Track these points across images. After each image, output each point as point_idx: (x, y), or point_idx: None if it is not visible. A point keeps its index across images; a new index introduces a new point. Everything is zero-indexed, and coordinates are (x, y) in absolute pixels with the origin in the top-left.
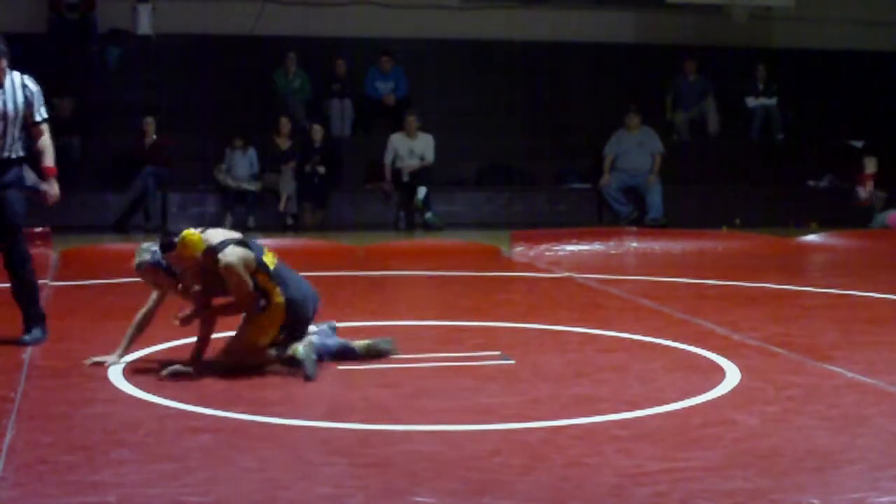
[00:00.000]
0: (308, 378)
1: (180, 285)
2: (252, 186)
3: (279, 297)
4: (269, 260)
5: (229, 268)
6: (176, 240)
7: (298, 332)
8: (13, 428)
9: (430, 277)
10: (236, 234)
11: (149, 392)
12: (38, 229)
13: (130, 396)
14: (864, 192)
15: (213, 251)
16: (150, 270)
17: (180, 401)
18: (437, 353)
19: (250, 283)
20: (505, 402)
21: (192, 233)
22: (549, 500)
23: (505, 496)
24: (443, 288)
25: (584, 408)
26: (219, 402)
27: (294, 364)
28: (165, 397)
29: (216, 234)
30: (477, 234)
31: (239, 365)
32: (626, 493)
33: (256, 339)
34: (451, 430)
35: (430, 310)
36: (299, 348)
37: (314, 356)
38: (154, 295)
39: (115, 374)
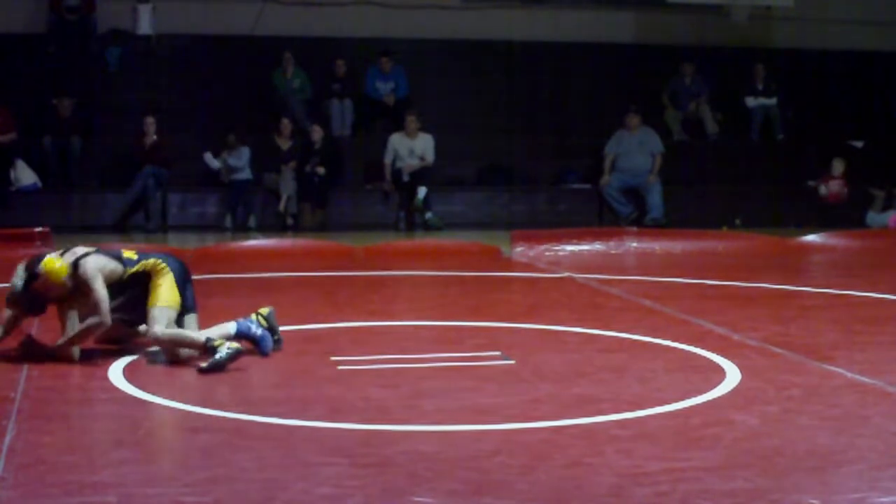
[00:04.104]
0: (205, 370)
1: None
2: (244, 176)
3: (157, 264)
4: (130, 254)
5: (91, 280)
6: (38, 270)
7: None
8: (13, 428)
9: (429, 277)
10: (91, 248)
11: (149, 392)
12: (39, 229)
13: (130, 396)
14: (825, 188)
15: (75, 268)
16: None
17: (180, 401)
18: (437, 353)
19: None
20: (505, 402)
21: (51, 259)
22: (549, 500)
23: (505, 496)
24: (442, 288)
25: (585, 408)
26: (218, 403)
27: (210, 352)
28: (165, 397)
29: (74, 253)
30: (477, 235)
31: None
32: (626, 493)
33: (161, 301)
34: (451, 431)
35: (429, 310)
36: (225, 348)
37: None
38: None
39: (116, 374)
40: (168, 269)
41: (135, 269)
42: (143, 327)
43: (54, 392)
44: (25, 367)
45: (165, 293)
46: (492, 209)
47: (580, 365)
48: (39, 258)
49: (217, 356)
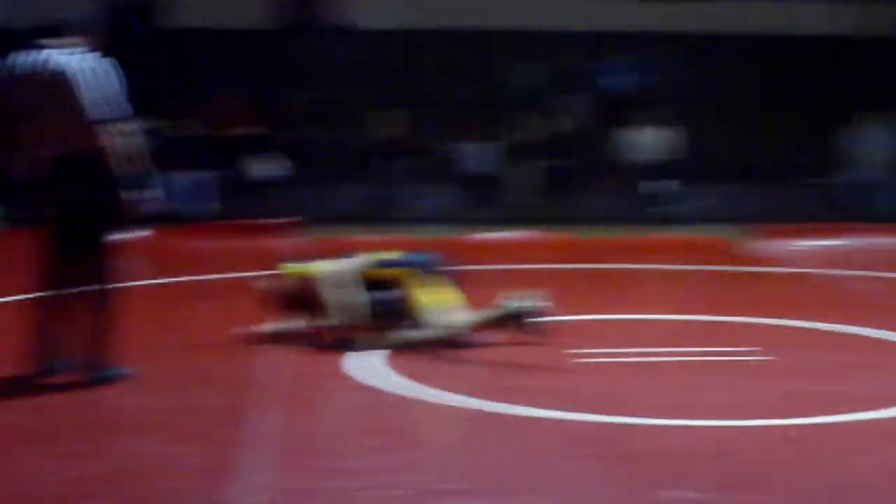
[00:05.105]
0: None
1: None
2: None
3: (401, 271)
4: (376, 255)
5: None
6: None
7: None
8: (273, 413)
9: (673, 271)
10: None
11: (399, 381)
12: (285, 220)
13: (388, 384)
14: None
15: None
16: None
17: (428, 388)
18: (695, 347)
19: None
20: (762, 398)
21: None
22: (806, 497)
23: (762, 492)
24: (686, 281)
25: (846, 405)
26: (470, 392)
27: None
28: (415, 384)
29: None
30: (721, 229)
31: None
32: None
33: (427, 301)
34: (702, 425)
35: (669, 304)
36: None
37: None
38: None
39: (377, 362)
40: (414, 272)
41: (379, 272)
42: (412, 333)
43: (312, 379)
44: (281, 356)
45: (427, 296)
46: (735, 204)
47: (841, 362)
48: (288, 265)
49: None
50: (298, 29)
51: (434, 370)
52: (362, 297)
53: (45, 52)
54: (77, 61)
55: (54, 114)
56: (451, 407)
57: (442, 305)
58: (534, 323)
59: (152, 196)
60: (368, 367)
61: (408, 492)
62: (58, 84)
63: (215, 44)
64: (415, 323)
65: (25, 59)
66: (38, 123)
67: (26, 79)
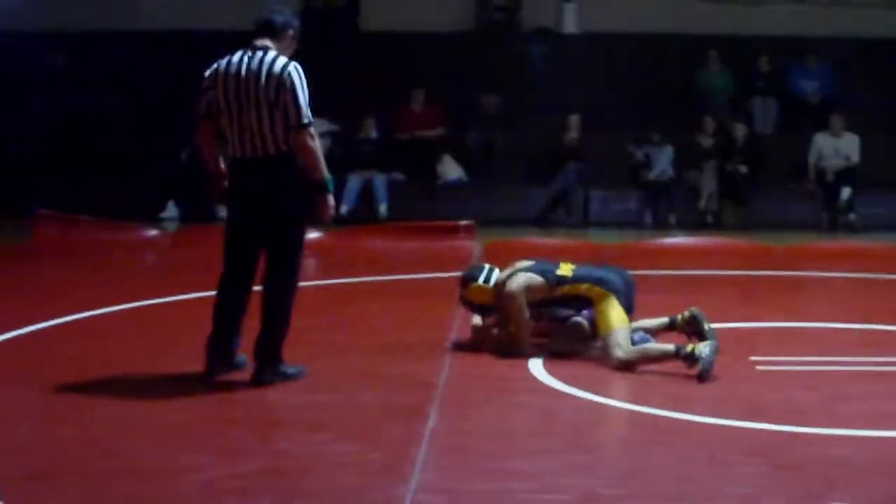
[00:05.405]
0: (703, 377)
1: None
2: (665, 173)
3: (591, 289)
4: (565, 270)
5: (510, 296)
6: (465, 287)
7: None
8: (436, 413)
9: (851, 280)
10: (529, 262)
11: (567, 384)
12: (463, 222)
13: (549, 387)
14: None
15: (501, 285)
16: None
17: (597, 393)
18: (858, 356)
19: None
20: None
21: (477, 287)
22: None
23: None
24: (864, 290)
25: None
26: (634, 397)
27: (690, 360)
28: (583, 389)
29: (514, 266)
30: None
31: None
32: None
33: (613, 324)
34: (871, 436)
35: (851, 313)
36: (703, 349)
37: (714, 358)
38: None
39: (535, 365)
40: (607, 292)
41: (564, 289)
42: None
43: (476, 380)
44: (449, 356)
45: (615, 317)
46: None
47: None
48: (474, 271)
49: (702, 359)
50: (498, 31)
51: (603, 376)
52: (549, 312)
53: (250, 54)
54: (280, 64)
55: (257, 115)
56: (621, 411)
57: (626, 326)
58: (708, 332)
59: (330, 201)
60: (539, 371)
61: (568, 496)
62: (263, 86)
63: (410, 47)
64: (601, 345)
65: (231, 60)
66: (240, 124)
67: (232, 79)
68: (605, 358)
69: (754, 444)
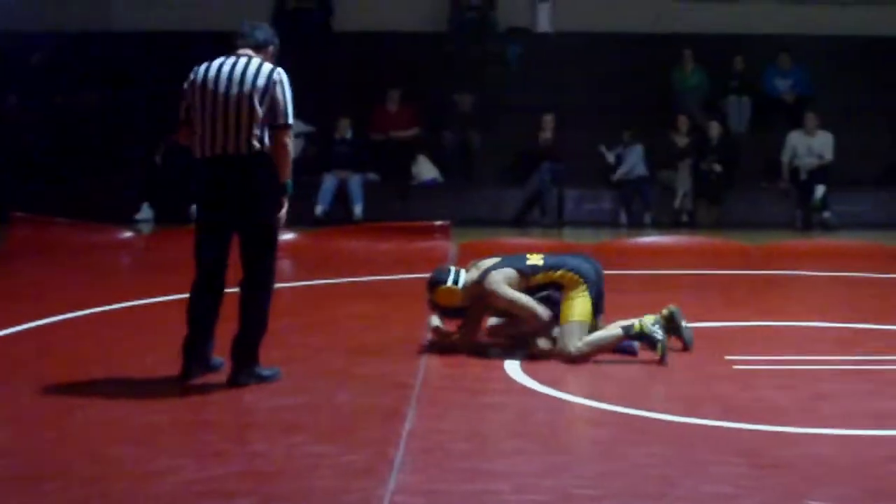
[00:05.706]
0: (663, 358)
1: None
2: (638, 172)
3: (564, 276)
4: (535, 259)
5: (495, 293)
6: (434, 291)
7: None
8: (413, 414)
9: (826, 278)
10: (496, 259)
11: (543, 384)
12: (438, 223)
13: (526, 387)
14: None
15: (479, 284)
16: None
17: (574, 394)
18: (835, 355)
19: (522, 298)
20: None
21: (446, 290)
22: None
23: None
24: (839, 289)
25: None
26: (611, 397)
27: (647, 341)
28: (560, 390)
29: (479, 267)
30: (877, 235)
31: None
32: None
33: (576, 315)
34: (849, 435)
35: (826, 311)
36: (650, 325)
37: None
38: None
39: (511, 366)
40: (582, 280)
41: (538, 278)
42: (542, 342)
43: (453, 381)
44: (425, 357)
45: (579, 307)
46: (893, 210)
47: None
48: (441, 274)
49: (658, 340)
50: (472, 31)
51: (579, 376)
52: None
53: (234, 59)
54: (267, 68)
55: (237, 113)
56: (598, 412)
57: (586, 321)
58: (684, 330)
59: (285, 204)
60: (515, 372)
61: (546, 496)
62: (250, 85)
63: (383, 47)
64: (557, 333)
65: (213, 63)
66: (220, 122)
67: (213, 80)
68: (558, 348)
69: (732, 443)
